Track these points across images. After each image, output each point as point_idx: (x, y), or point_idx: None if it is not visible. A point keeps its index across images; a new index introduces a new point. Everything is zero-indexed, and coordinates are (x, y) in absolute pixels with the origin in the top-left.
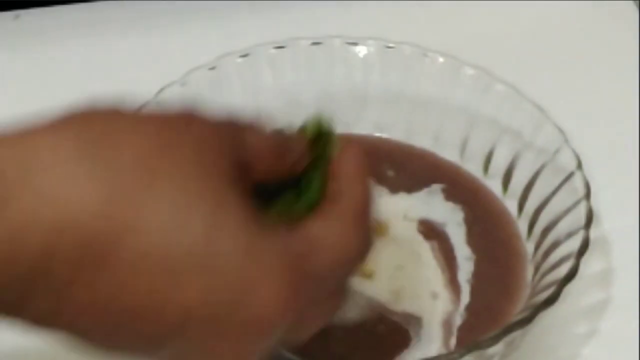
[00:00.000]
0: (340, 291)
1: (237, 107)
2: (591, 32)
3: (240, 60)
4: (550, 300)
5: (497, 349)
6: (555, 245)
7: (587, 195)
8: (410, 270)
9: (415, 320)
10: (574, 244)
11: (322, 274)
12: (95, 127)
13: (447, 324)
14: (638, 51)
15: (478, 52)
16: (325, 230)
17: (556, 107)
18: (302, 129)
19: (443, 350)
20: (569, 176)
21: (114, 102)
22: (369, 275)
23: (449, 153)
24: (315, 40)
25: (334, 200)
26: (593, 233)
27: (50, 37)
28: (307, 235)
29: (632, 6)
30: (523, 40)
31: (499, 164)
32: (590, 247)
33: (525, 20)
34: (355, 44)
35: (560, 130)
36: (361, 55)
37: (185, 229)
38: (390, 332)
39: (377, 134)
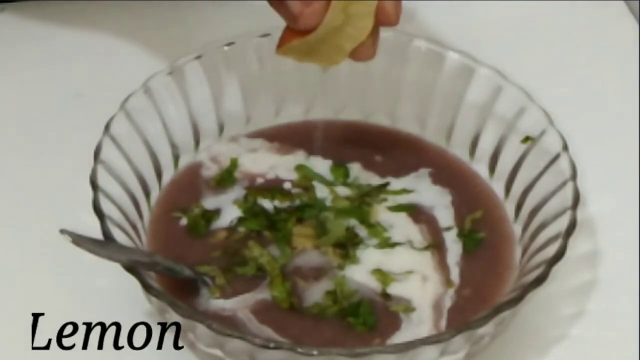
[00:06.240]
0: None
1: (223, 93)
2: (575, 16)
3: (226, 48)
4: (539, 280)
5: (486, 329)
6: (542, 226)
7: (574, 176)
8: (400, 253)
9: (405, 303)
10: (561, 224)
11: None
12: None
13: (437, 306)
14: (621, 33)
15: (464, 39)
16: None
17: (542, 91)
18: None
19: (433, 332)
20: (555, 158)
21: None
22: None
23: (435, 138)
24: None
25: None
26: (579, 215)
27: (36, 31)
28: None
29: None
30: (509, 25)
31: (485, 147)
32: (577, 228)
33: (511, 5)
34: None
35: (546, 113)
36: None
37: None
38: (381, 315)
39: (364, 120)
